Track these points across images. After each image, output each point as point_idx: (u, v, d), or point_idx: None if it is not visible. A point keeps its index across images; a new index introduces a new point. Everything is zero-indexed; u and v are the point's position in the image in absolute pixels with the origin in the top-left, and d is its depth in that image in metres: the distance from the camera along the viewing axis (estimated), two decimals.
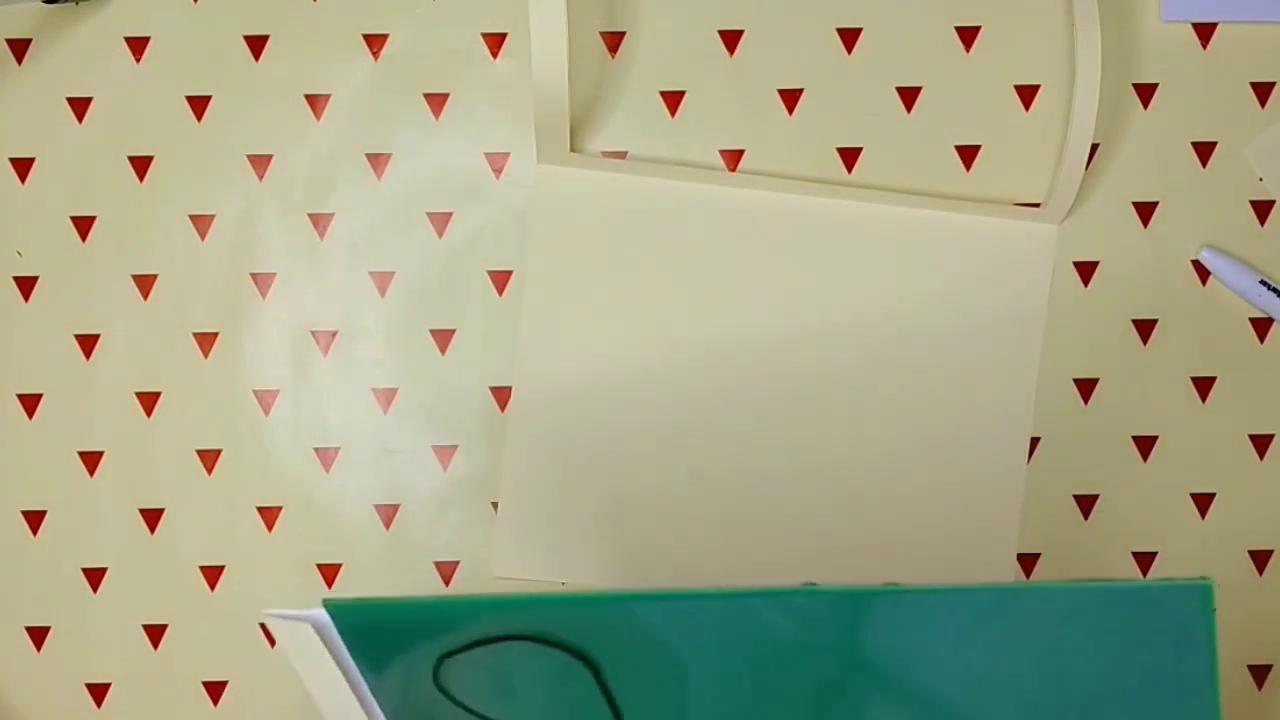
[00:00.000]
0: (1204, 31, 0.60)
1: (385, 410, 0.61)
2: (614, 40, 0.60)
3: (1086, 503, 0.61)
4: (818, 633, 0.43)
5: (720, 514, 0.60)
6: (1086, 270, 0.60)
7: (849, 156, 0.60)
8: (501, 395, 0.60)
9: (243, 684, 0.61)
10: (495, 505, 0.60)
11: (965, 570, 0.60)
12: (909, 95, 0.60)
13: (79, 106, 0.60)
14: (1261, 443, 0.61)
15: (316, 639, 0.44)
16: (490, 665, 0.44)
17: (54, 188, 0.60)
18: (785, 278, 0.60)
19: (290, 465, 0.61)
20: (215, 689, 0.61)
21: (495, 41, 0.60)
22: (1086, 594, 0.42)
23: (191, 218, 0.60)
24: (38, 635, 0.61)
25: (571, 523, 0.60)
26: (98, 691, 0.61)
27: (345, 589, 0.61)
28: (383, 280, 0.61)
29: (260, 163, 0.60)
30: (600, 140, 0.60)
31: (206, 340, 0.61)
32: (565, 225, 0.60)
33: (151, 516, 0.61)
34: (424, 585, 0.60)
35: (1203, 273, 0.60)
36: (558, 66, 0.56)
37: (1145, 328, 0.61)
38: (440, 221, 0.61)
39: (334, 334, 0.61)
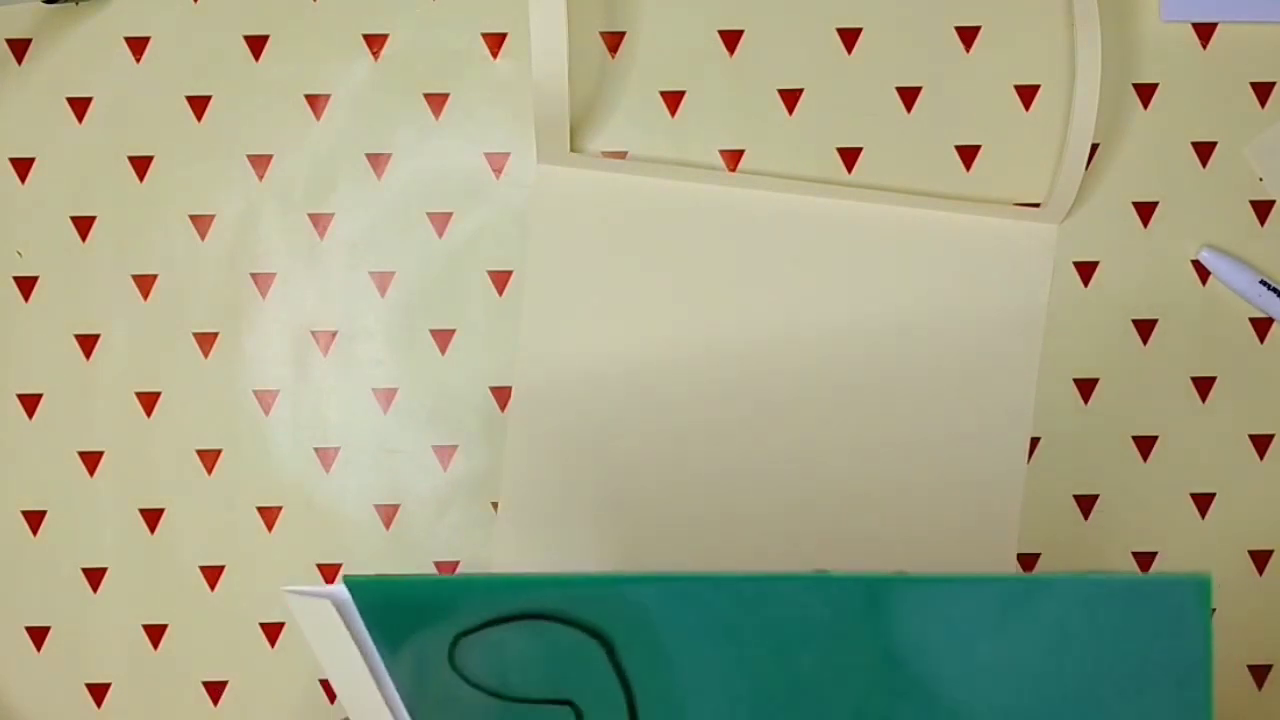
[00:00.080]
0: (1204, 31, 0.60)
1: (385, 410, 0.61)
2: (614, 40, 0.60)
3: (1086, 503, 0.61)
4: (826, 618, 0.44)
5: (720, 514, 0.60)
6: (1086, 270, 0.60)
7: (849, 156, 0.60)
8: (501, 395, 0.60)
9: (243, 684, 0.61)
10: (495, 505, 0.61)
11: (965, 570, 0.60)
12: (909, 95, 0.60)
13: (79, 106, 0.60)
14: (1261, 443, 0.61)
15: (335, 617, 0.45)
16: (503, 645, 0.45)
17: (54, 188, 0.60)
18: (785, 278, 0.60)
19: (290, 465, 0.61)
20: (215, 689, 0.61)
21: (495, 41, 0.60)
22: (1088, 586, 0.42)
23: (191, 218, 0.60)
24: (38, 635, 0.61)
25: (572, 522, 0.60)
26: (98, 691, 0.61)
27: None
28: (383, 280, 0.61)
29: (260, 163, 0.60)
30: (600, 140, 0.60)
31: (206, 340, 0.61)
32: (565, 225, 0.60)
33: (151, 516, 0.61)
34: None
35: (1203, 273, 0.60)
36: (558, 66, 0.56)
37: (1145, 328, 0.61)
38: (440, 221, 0.61)
39: (334, 334, 0.61)
